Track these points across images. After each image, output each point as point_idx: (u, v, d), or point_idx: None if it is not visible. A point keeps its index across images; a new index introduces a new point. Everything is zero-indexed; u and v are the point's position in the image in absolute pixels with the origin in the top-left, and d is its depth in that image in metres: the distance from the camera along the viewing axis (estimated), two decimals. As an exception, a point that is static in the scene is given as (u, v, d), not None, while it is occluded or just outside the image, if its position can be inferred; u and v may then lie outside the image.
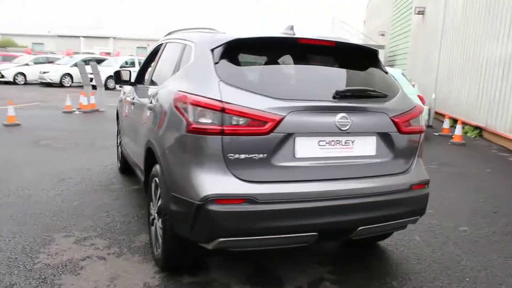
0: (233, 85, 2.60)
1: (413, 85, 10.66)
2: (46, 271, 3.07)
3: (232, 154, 2.49)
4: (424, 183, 3.08)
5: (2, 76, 21.45)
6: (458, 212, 4.93)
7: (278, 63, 2.98)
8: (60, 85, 21.33)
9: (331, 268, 3.34)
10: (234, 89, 2.58)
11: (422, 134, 3.15)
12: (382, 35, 29.38)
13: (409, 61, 20.74)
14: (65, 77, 21.47)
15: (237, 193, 2.47)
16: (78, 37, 62.51)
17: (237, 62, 2.78)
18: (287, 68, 2.96)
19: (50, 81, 21.16)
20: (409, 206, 2.97)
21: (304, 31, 3.57)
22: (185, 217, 2.58)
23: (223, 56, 2.75)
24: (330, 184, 2.67)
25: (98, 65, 14.79)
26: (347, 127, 2.68)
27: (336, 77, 3.04)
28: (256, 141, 2.51)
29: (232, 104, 2.50)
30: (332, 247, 3.81)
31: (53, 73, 21.24)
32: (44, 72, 21.35)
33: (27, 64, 22.60)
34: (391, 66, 23.86)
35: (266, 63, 2.96)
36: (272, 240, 2.61)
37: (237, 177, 2.50)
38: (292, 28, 3.19)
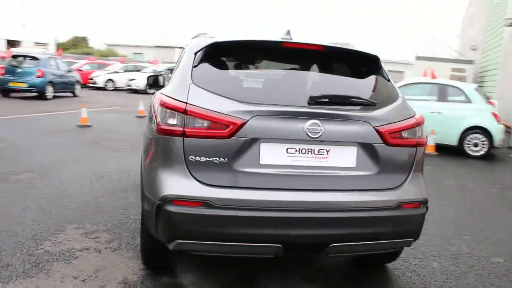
0: (203, 87, 2.59)
1: (488, 101, 9.76)
2: (43, 257, 3.29)
3: (193, 157, 2.48)
4: (419, 202, 2.79)
5: (94, 83, 23.50)
6: (501, 242, 4.40)
7: (256, 67, 2.91)
8: (145, 91, 22.79)
9: (318, 285, 3.16)
10: (202, 91, 2.57)
11: (421, 148, 2.87)
12: (474, 49, 27.37)
13: (499, 76, 19.06)
14: (149, 85, 22.90)
15: (194, 195, 2.45)
16: (174, 47, 66.76)
17: (214, 65, 2.77)
18: (265, 72, 2.88)
19: (135, 87, 22.76)
20: (397, 227, 2.71)
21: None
22: (151, 216, 2.61)
23: (202, 59, 2.76)
24: (298, 195, 2.53)
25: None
26: (318, 135, 2.53)
27: (320, 82, 2.89)
28: (217, 144, 2.47)
29: (195, 106, 2.49)
30: (332, 264, 3.60)
31: (139, 81, 22.81)
32: (131, 79, 23.02)
33: (116, 72, 24.53)
34: (482, 81, 22.14)
35: (243, 67, 2.91)
36: (232, 248, 2.54)
37: (197, 180, 2.48)
38: (288, 32, 3.09)
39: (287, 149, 2.55)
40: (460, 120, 9.50)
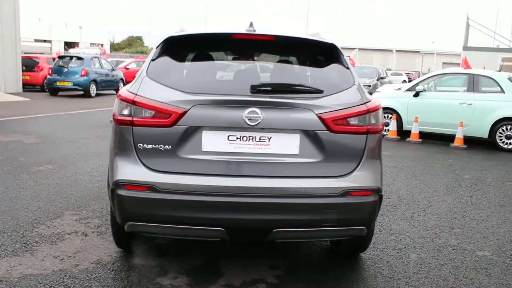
0: (154, 79, 2.78)
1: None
2: (33, 238, 3.62)
3: (141, 144, 2.67)
4: (369, 190, 2.81)
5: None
6: (494, 236, 4.25)
7: (208, 59, 3.04)
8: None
9: (279, 272, 3.25)
10: (153, 83, 2.76)
11: (374, 135, 2.85)
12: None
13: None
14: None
15: (141, 180, 2.64)
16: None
17: (168, 58, 2.95)
18: (215, 63, 3.01)
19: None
20: (343, 214, 2.75)
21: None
22: (110, 199, 2.84)
23: (160, 53, 2.95)
24: (239, 180, 2.65)
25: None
26: (257, 122, 2.63)
27: (268, 72, 2.98)
28: (161, 132, 2.65)
29: (142, 97, 2.68)
30: (301, 253, 3.67)
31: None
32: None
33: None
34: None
35: (195, 59, 3.04)
36: (178, 230, 2.70)
37: (145, 166, 2.67)
38: (251, 24, 3.17)
39: (228, 136, 2.67)
40: (492, 111, 9.09)
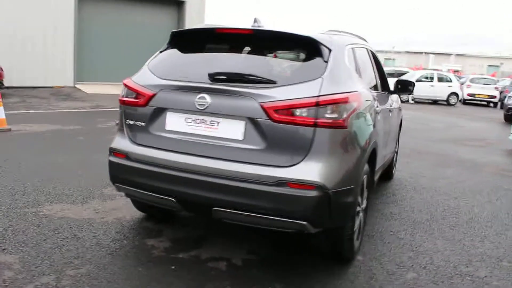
0: (150, 68, 3.34)
1: None
2: (94, 195, 4.56)
3: (128, 120, 3.27)
4: (310, 185, 2.72)
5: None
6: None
7: (192, 51, 3.39)
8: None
9: (249, 257, 3.40)
10: (147, 71, 3.32)
11: (323, 129, 2.75)
12: None
13: None
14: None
15: (121, 149, 3.24)
16: (422, 53, 65.02)
17: (169, 50, 3.45)
18: (197, 54, 3.38)
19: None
20: (276, 204, 2.76)
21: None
22: None
23: (167, 47, 3.51)
24: (189, 158, 2.95)
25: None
26: (204, 107, 2.90)
27: (236, 63, 3.20)
28: (138, 111, 3.19)
29: (132, 81, 3.28)
30: (284, 244, 3.67)
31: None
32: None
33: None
34: None
35: (185, 50, 3.43)
36: (142, 195, 3.19)
37: (130, 138, 3.24)
38: (255, 20, 3.38)
39: (186, 118, 3.02)
40: None
